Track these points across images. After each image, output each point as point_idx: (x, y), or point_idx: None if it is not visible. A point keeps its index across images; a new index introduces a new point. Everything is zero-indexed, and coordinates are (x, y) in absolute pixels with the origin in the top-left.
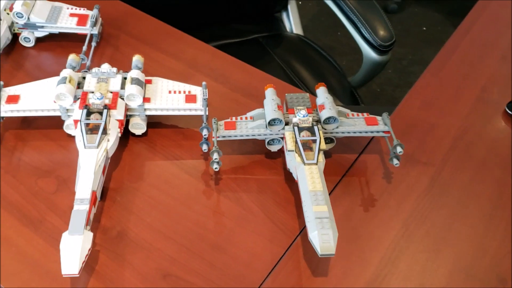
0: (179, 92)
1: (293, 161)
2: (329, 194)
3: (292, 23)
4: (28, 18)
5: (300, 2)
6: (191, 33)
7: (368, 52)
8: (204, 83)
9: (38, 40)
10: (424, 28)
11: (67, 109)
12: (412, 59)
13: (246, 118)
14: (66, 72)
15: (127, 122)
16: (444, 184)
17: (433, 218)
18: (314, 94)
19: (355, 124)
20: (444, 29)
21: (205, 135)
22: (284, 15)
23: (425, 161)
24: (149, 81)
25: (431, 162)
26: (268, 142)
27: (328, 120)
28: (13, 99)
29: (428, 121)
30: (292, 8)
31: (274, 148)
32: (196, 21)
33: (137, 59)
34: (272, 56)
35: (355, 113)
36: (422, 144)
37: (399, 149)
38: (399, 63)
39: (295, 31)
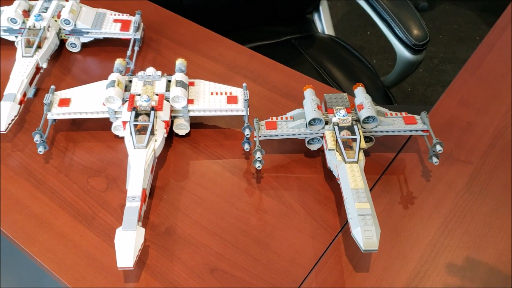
0: (221, 93)
1: (334, 160)
2: (370, 189)
3: (323, 24)
4: (75, 25)
5: (329, 3)
6: (226, 36)
7: (402, 51)
8: (244, 84)
9: (84, 45)
10: (456, 26)
11: (116, 111)
12: (444, 57)
13: (286, 118)
14: (114, 76)
15: (172, 123)
16: (483, 182)
17: (473, 216)
18: (346, 93)
19: (394, 123)
20: (476, 26)
21: (247, 134)
22: (315, 16)
23: (463, 160)
24: (192, 84)
25: (469, 160)
26: (308, 141)
27: (367, 119)
28: (64, 102)
29: (466, 119)
30: (323, 9)
31: (314, 147)
32: (231, 25)
33: (180, 62)
34: (304, 57)
35: (393, 112)
36: (460, 143)
37: (438, 147)
38: (431, 62)
39: (326, 32)
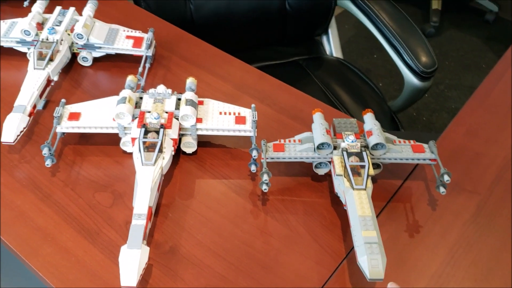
0: (229, 113)
1: (341, 186)
2: (377, 217)
3: (332, 46)
4: (88, 39)
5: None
6: (235, 54)
7: (409, 77)
8: (253, 105)
9: (95, 59)
10: (462, 53)
11: (125, 127)
12: (450, 83)
13: (294, 141)
14: (125, 93)
15: (179, 140)
16: (491, 213)
17: (480, 247)
18: (353, 116)
19: (402, 151)
20: (483, 54)
21: (254, 156)
22: (324, 39)
23: (470, 190)
24: (201, 102)
25: (476, 191)
26: (315, 165)
27: (376, 146)
28: (74, 116)
29: (473, 149)
30: (332, 31)
31: (321, 171)
32: (241, 44)
33: (191, 81)
34: (312, 78)
35: (401, 140)
36: (467, 172)
37: (446, 177)
38: (436, 88)
39: (335, 54)
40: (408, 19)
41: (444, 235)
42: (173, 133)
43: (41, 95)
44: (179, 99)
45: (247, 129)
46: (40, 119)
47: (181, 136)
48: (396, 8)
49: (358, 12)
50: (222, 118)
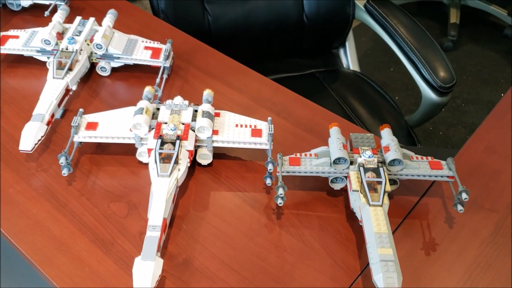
0: (246, 126)
1: (357, 201)
2: (393, 233)
3: (349, 59)
4: (106, 49)
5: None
6: (251, 65)
7: (427, 92)
8: (269, 118)
9: (113, 69)
10: (480, 67)
11: (141, 138)
12: (467, 98)
13: (310, 155)
14: (143, 104)
15: (195, 152)
16: (510, 232)
17: (498, 267)
18: (369, 130)
19: (419, 167)
20: (501, 69)
21: (270, 169)
22: (341, 51)
23: (489, 207)
24: (217, 114)
25: (495, 209)
26: (331, 180)
27: (393, 162)
28: (92, 126)
29: (492, 166)
30: (350, 44)
31: (337, 186)
32: (258, 55)
33: (208, 93)
34: (328, 91)
35: (419, 156)
36: (486, 190)
37: (464, 195)
38: (454, 102)
39: (351, 67)
40: (426, 33)
41: (461, 254)
42: (189, 144)
43: (59, 104)
44: (196, 111)
45: (263, 142)
46: (58, 128)
47: (197, 147)
48: (415, 22)
49: (376, 26)
50: (238, 131)
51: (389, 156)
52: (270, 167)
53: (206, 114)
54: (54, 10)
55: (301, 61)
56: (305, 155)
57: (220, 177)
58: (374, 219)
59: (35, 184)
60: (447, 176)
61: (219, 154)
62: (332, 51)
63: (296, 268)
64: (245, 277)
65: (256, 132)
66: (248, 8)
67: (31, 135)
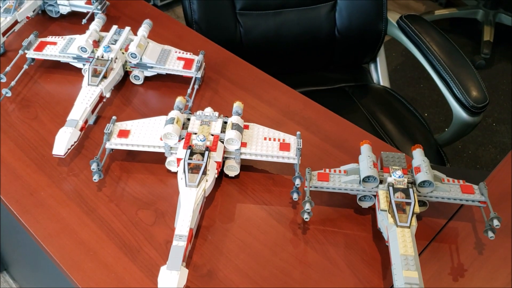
0: (274, 139)
1: (385, 221)
2: (419, 255)
3: (379, 75)
4: (141, 59)
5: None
6: (281, 77)
7: (459, 112)
8: (298, 133)
9: (146, 78)
10: None
11: (171, 147)
12: (498, 117)
13: (339, 171)
14: (174, 114)
15: (223, 163)
16: None
17: None
18: (398, 147)
19: (450, 190)
20: None
21: (297, 184)
22: (372, 67)
23: None
24: (246, 127)
25: None
26: (359, 198)
27: (423, 183)
28: (124, 133)
29: None
30: (381, 60)
31: (365, 204)
32: (288, 67)
33: (238, 105)
34: (358, 106)
35: (450, 179)
36: None
37: (496, 222)
38: (484, 121)
39: (382, 83)
40: (459, 51)
41: (490, 281)
42: (217, 156)
43: (93, 111)
44: (225, 122)
45: (291, 156)
46: (91, 134)
47: (225, 159)
48: (447, 40)
49: (408, 42)
50: (267, 144)
51: (420, 177)
52: (297, 181)
53: (236, 126)
54: (91, 18)
55: (331, 75)
56: (334, 171)
57: (247, 190)
58: (401, 240)
59: (66, 189)
60: (479, 201)
61: (247, 166)
62: (362, 66)
63: (320, 284)
64: None
65: (285, 146)
66: (280, 21)
67: (64, 140)
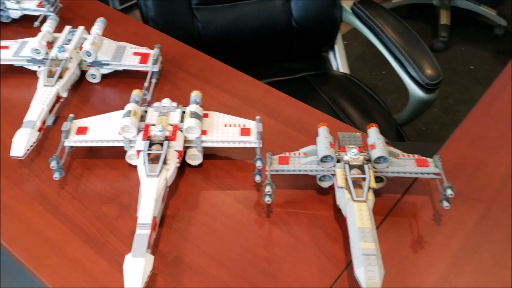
0: (234, 125)
1: (342, 198)
2: (376, 228)
3: (338, 62)
4: (96, 57)
5: (345, 42)
6: (243, 71)
7: (414, 90)
8: (258, 117)
9: (103, 76)
10: (472, 67)
11: (130, 141)
12: (459, 97)
13: (299, 154)
14: (130, 106)
15: (184, 153)
16: (494, 221)
17: (483, 254)
18: (359, 130)
19: (405, 164)
20: (492, 68)
21: (258, 166)
22: (331, 55)
23: (474, 198)
24: (206, 115)
25: (480, 199)
26: (319, 178)
27: (378, 159)
28: (82, 130)
29: (477, 158)
30: (339, 47)
31: (325, 184)
32: (248, 61)
33: (195, 94)
34: (319, 93)
35: (405, 154)
36: (471, 181)
37: (449, 191)
38: (446, 102)
39: (341, 70)
40: (412, 32)
41: (447, 244)
42: (177, 145)
43: (50, 111)
44: (184, 112)
45: (252, 140)
46: (50, 135)
47: (186, 148)
48: (400, 22)
49: (363, 28)
50: (227, 130)
51: (375, 154)
52: (258, 164)
53: (194, 115)
54: (44, 20)
55: (292, 65)
56: (294, 154)
57: (210, 177)
58: (357, 214)
59: (27, 189)
60: (433, 173)
61: (210, 154)
62: (322, 55)
63: (286, 261)
64: (235, 271)
65: (245, 131)
66: (237, 14)
67: (22, 141)
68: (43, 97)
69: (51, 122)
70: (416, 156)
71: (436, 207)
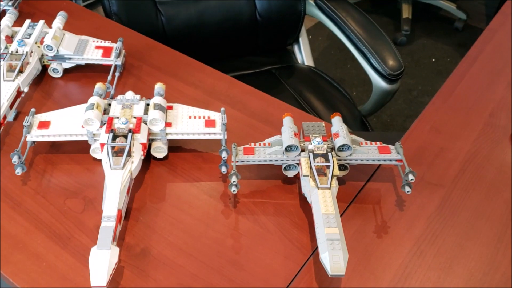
0: (199, 117)
1: (307, 186)
2: (341, 215)
3: (303, 55)
4: (57, 51)
5: (310, 37)
6: (209, 65)
7: (377, 81)
8: (222, 109)
9: (66, 71)
10: (434, 60)
11: (94, 134)
12: (422, 89)
13: (264, 144)
14: (93, 99)
15: (149, 146)
16: (455, 204)
17: (445, 237)
18: (324, 120)
19: (368, 152)
20: (454, 60)
21: (224, 157)
22: (295, 48)
23: (435, 183)
24: (170, 107)
25: (441, 184)
26: (285, 167)
27: (342, 147)
28: (44, 124)
29: (438, 144)
30: (303, 41)
31: (290, 173)
32: (213, 55)
33: (159, 86)
34: (284, 86)
35: (368, 142)
36: (432, 167)
37: (411, 176)
38: (409, 94)
39: (306, 63)
40: (374, 24)
41: (410, 228)
42: (142, 137)
43: (11, 106)
44: (148, 104)
45: (217, 132)
46: (11, 130)
47: (151, 141)
48: (363, 15)
49: (327, 21)
50: (192, 122)
51: (338, 142)
52: (224, 154)
53: (158, 107)
54: (2, 14)
55: (257, 59)
56: (259, 144)
57: (176, 169)
58: (322, 201)
59: None
60: (396, 160)
61: (175, 147)
62: (287, 48)
63: (253, 250)
64: (202, 261)
65: (210, 123)
66: (201, 8)
67: None
68: (3, 92)
69: (12, 117)
70: (378, 143)
71: (399, 193)
